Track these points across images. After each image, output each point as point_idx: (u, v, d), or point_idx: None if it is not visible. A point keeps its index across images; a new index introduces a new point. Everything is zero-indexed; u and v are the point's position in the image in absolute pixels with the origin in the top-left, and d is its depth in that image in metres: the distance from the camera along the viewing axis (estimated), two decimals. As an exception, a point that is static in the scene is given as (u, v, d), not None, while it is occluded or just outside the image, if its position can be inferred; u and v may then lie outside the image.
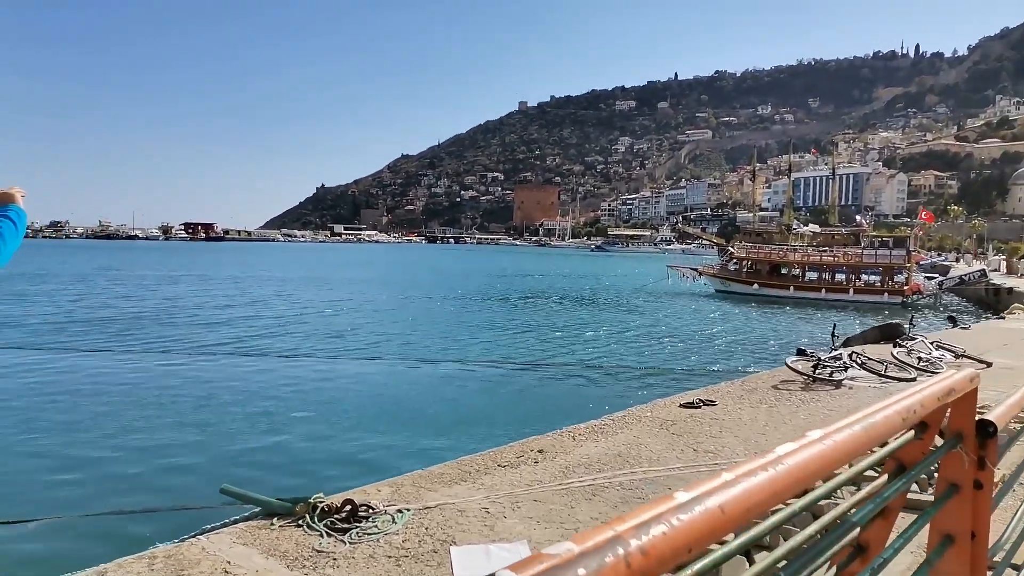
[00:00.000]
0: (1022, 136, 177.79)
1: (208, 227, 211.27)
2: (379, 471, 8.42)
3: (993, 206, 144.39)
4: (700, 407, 8.17)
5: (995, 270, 52.76)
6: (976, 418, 2.36)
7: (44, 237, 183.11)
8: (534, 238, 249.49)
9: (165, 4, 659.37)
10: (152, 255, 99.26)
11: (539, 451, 6.35)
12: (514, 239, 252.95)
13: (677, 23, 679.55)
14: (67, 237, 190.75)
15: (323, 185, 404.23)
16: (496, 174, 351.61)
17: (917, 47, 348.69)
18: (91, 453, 10.16)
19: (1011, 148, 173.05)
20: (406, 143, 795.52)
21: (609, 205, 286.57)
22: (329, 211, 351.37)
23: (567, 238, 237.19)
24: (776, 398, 8.73)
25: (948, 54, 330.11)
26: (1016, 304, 27.08)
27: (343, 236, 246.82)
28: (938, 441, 1.98)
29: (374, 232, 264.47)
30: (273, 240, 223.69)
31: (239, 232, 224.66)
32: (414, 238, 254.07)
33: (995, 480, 2.50)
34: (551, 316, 31.94)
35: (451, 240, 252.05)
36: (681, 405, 8.25)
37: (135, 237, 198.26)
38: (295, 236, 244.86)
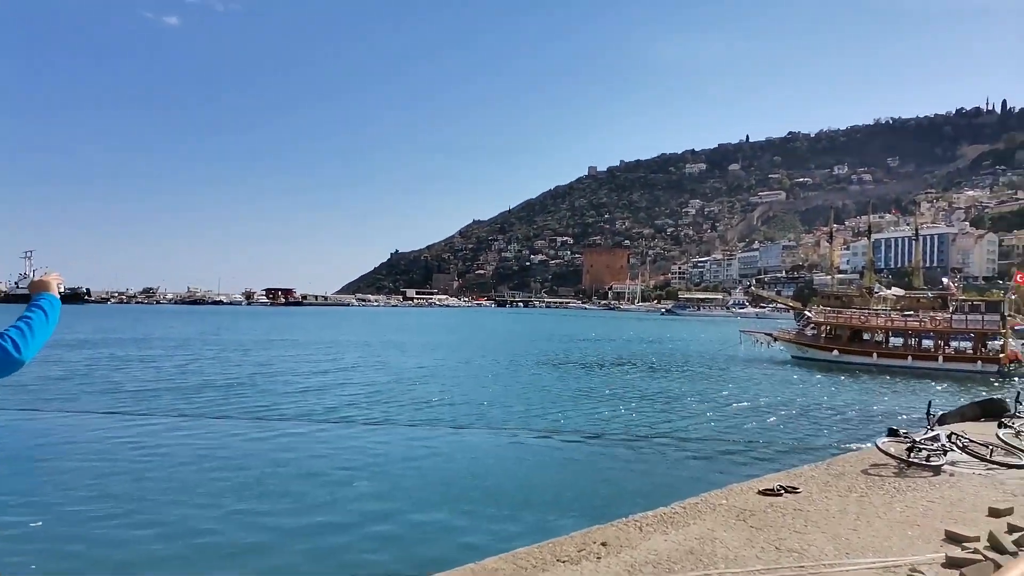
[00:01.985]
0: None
1: (288, 292, 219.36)
2: (431, 556, 8.05)
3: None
4: (782, 494, 7.51)
5: (1105, 336, 48.79)
6: None
7: (137, 303, 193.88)
8: (603, 302, 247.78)
9: (249, 91, 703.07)
10: (239, 320, 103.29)
11: (602, 544, 5.87)
12: (583, 303, 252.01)
13: (748, 85, 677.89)
14: (158, 303, 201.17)
15: (397, 251, 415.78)
16: (565, 238, 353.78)
17: (1004, 103, 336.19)
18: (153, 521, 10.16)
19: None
20: (477, 208, 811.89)
21: (679, 268, 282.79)
22: (402, 276, 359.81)
23: (636, 301, 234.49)
24: (867, 485, 7.95)
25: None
26: None
27: (415, 300, 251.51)
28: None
29: (445, 296, 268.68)
30: (348, 304, 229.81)
31: (316, 297, 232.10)
32: (484, 302, 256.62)
33: None
34: (621, 384, 31.11)
35: (520, 304, 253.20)
36: (760, 492, 7.60)
37: (220, 302, 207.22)
38: (369, 300, 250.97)
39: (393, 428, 18.83)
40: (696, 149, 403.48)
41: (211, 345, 49.39)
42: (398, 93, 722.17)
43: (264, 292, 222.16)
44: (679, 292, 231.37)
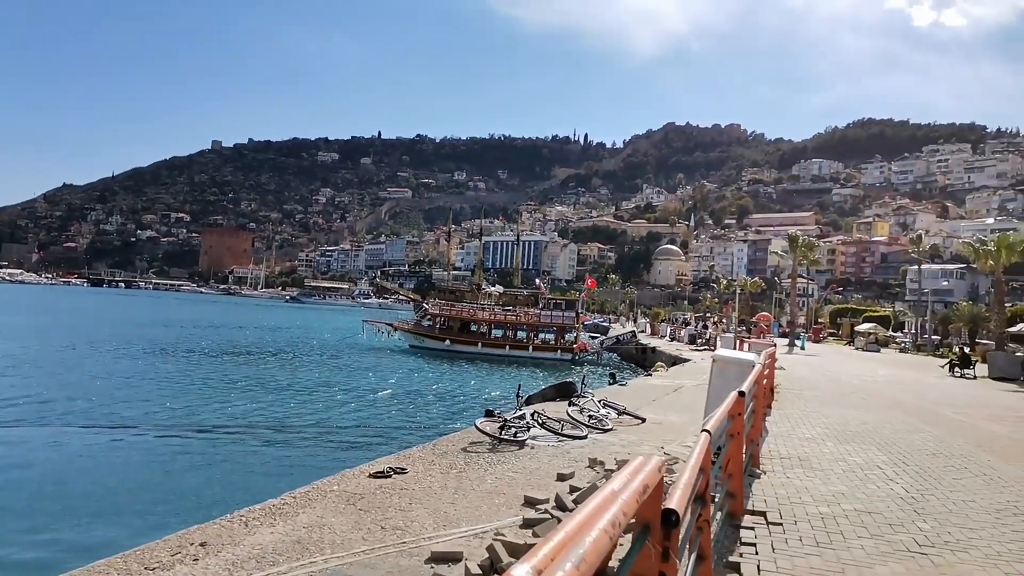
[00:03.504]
0: (662, 219, 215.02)
1: None
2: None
3: (641, 276, 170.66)
4: (391, 476, 7.84)
5: (643, 331, 61.82)
6: (662, 507, 2.33)
7: None
8: (222, 286, 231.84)
9: None
10: None
11: (201, 544, 5.42)
12: (199, 286, 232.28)
13: (382, 83, 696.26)
14: None
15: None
16: (182, 215, 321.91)
17: (586, 136, 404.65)
18: None
19: (654, 229, 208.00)
20: (70, 171, 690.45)
21: (307, 255, 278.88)
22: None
23: (260, 287, 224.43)
24: (466, 462, 8.75)
25: (610, 144, 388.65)
26: (659, 362, 31.76)
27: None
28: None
29: (19, 271, 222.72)
30: None
31: None
32: (74, 280, 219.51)
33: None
34: (240, 373, 29.43)
35: (121, 284, 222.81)
36: (371, 475, 7.83)
37: None
38: None
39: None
40: (330, 138, 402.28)
41: None
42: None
43: None
44: (305, 280, 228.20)
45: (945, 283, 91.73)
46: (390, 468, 8.07)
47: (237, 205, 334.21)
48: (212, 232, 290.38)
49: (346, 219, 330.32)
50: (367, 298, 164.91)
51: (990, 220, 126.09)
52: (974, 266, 36.22)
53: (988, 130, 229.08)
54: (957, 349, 31.01)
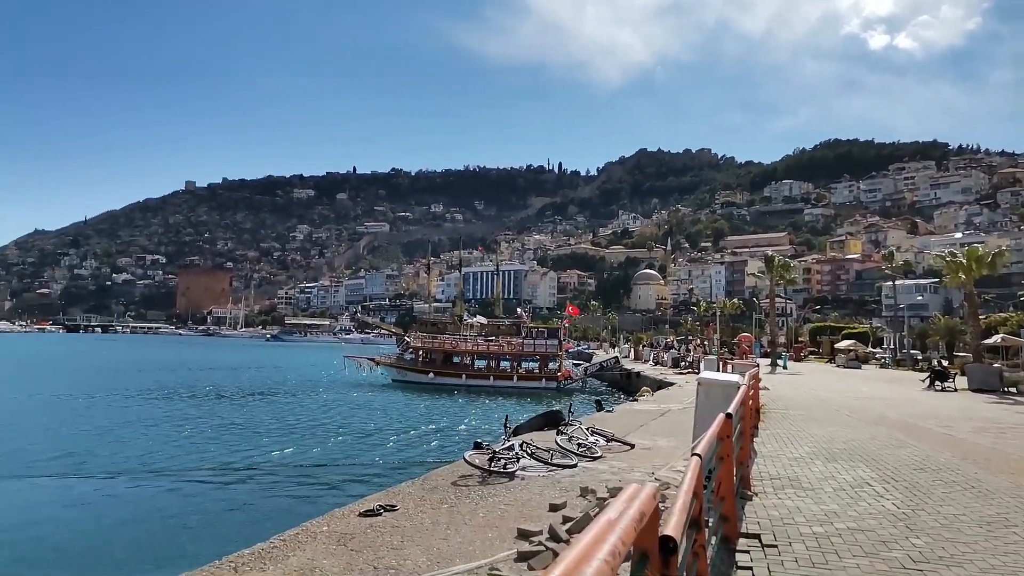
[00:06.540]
0: (639, 244, 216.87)
1: None
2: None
3: (622, 302, 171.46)
4: (381, 514, 7.73)
5: (626, 356, 61.93)
6: (659, 535, 2.34)
7: None
8: (201, 327, 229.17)
9: None
10: None
11: (191, 594, 5.31)
12: (177, 328, 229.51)
13: (355, 119, 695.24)
14: None
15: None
16: (157, 257, 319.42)
17: (560, 165, 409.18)
18: None
19: (632, 254, 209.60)
20: (41, 217, 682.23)
21: (286, 293, 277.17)
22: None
23: (240, 327, 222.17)
24: (457, 496, 8.67)
25: (584, 173, 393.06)
26: (644, 387, 31.78)
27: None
28: None
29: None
30: None
31: None
32: (48, 327, 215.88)
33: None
34: (222, 414, 28.97)
35: (97, 329, 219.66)
36: (361, 514, 7.72)
37: None
38: None
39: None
40: (305, 175, 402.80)
41: None
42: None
43: None
44: (285, 318, 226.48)
45: (920, 298, 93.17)
46: (380, 506, 7.96)
47: (213, 245, 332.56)
48: (189, 273, 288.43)
49: (324, 255, 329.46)
50: (349, 334, 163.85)
51: (958, 235, 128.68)
52: (946, 280, 36.77)
53: (950, 147, 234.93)
54: (935, 363, 31.42)
